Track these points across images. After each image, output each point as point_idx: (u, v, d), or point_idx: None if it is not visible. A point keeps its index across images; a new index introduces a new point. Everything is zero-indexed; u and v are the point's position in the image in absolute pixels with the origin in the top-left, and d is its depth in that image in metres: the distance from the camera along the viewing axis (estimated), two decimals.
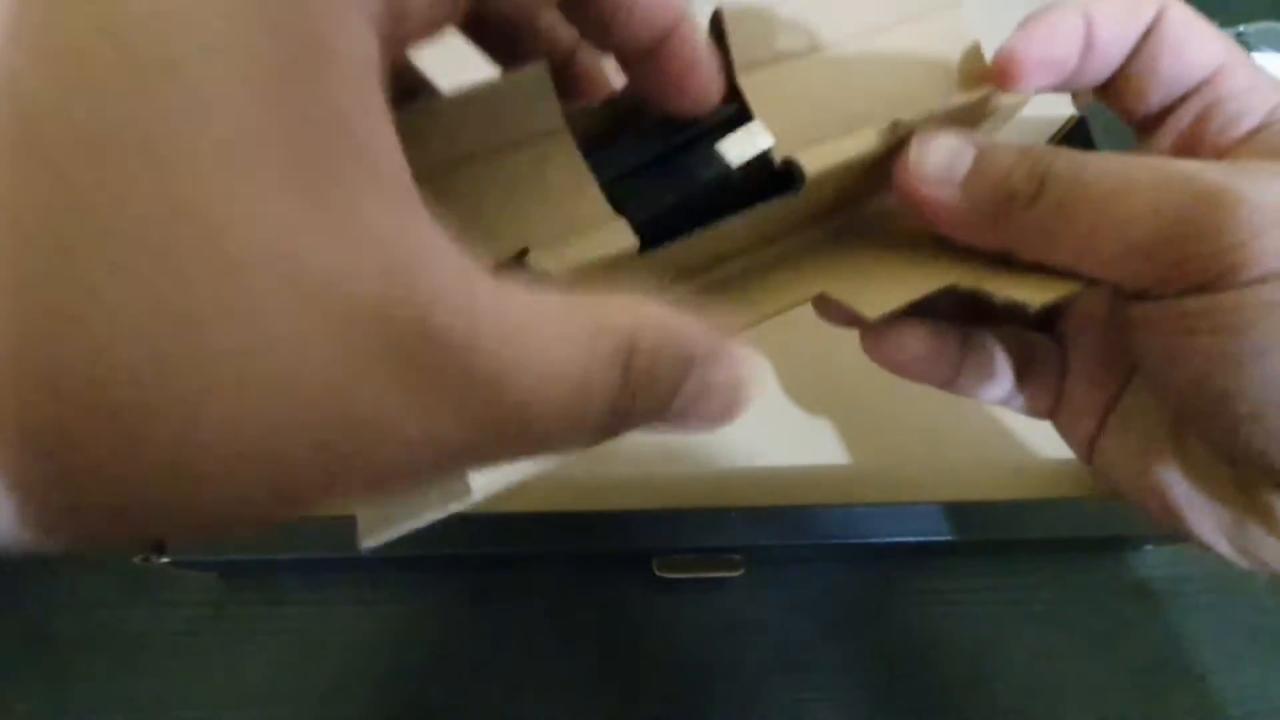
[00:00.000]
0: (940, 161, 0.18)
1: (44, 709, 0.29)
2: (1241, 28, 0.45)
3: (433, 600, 0.31)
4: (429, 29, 0.13)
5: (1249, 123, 0.17)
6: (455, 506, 0.15)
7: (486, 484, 0.15)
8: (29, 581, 0.31)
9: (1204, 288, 0.14)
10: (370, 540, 0.15)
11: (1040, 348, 0.20)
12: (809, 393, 0.35)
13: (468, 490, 0.15)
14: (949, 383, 0.20)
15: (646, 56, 0.16)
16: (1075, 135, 0.37)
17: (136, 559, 0.26)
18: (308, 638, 0.30)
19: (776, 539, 0.27)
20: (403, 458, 0.10)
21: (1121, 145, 0.36)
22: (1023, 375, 0.20)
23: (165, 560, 0.26)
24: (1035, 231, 0.16)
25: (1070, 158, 0.16)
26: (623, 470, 0.33)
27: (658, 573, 0.30)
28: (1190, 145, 0.18)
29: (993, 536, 0.29)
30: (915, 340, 0.19)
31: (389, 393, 0.09)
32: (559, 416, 0.11)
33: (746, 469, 0.33)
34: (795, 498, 0.31)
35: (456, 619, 0.31)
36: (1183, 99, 0.18)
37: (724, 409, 0.14)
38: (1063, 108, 0.37)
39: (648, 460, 0.33)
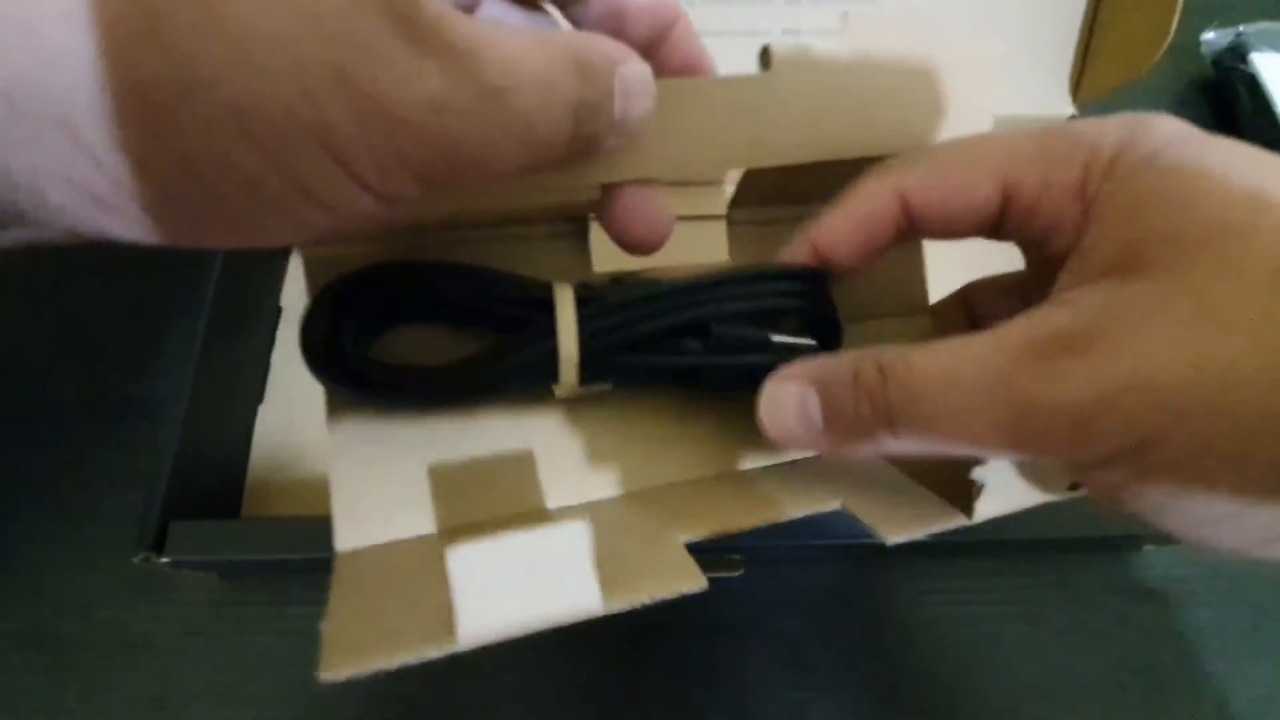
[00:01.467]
0: (793, 417, 0.18)
1: (44, 709, 0.29)
2: (1242, 28, 0.45)
3: None
4: None
5: (1068, 226, 0.17)
6: (433, 652, 0.15)
7: (476, 633, 0.15)
8: (29, 581, 0.31)
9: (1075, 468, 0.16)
10: (331, 675, 0.16)
11: None
12: None
13: (452, 638, 0.15)
14: None
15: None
16: None
17: (136, 559, 0.26)
18: (308, 638, 0.30)
19: (776, 539, 0.27)
20: (403, 97, 0.12)
21: None
22: None
23: (165, 560, 0.26)
24: (910, 448, 0.17)
25: (900, 389, 0.16)
26: None
27: None
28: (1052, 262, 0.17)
29: (993, 536, 0.28)
30: None
31: (385, 35, 0.12)
32: (532, 96, 0.14)
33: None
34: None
35: None
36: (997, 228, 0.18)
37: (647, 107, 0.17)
38: (1063, 108, 0.37)
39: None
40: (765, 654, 0.31)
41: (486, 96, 0.13)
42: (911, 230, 0.19)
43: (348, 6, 0.11)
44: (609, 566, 0.16)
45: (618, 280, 0.20)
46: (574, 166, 0.17)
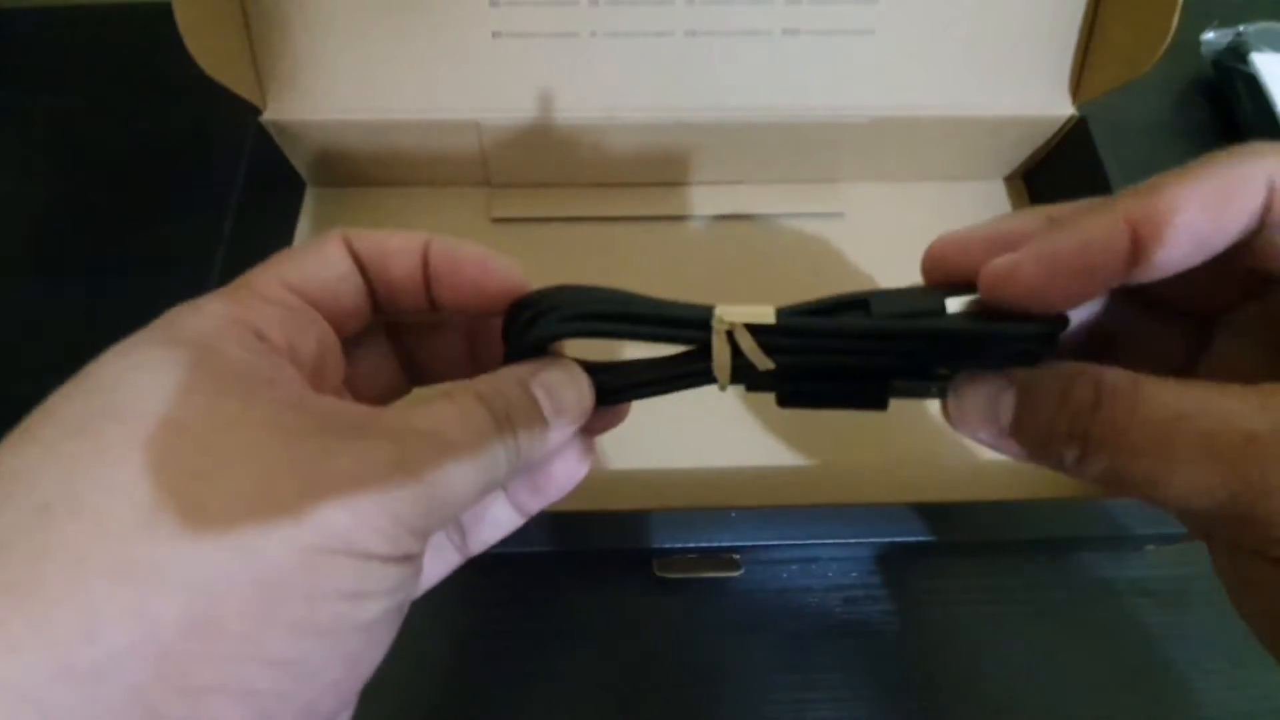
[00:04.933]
0: (981, 410, 0.17)
1: None
2: (1241, 28, 0.45)
3: (432, 601, 0.31)
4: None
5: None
6: None
7: None
8: None
9: (1257, 554, 0.14)
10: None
11: None
12: None
13: None
14: None
15: (438, 282, 0.18)
16: (1075, 135, 0.37)
17: None
18: None
19: (776, 539, 0.27)
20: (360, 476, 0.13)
21: (1122, 146, 0.36)
22: None
23: None
24: (1093, 479, 0.16)
25: (1109, 419, 0.15)
26: (623, 470, 0.33)
27: (658, 573, 0.30)
28: None
29: (993, 537, 0.28)
30: None
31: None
32: (464, 457, 0.15)
33: (746, 469, 0.33)
34: (795, 498, 0.31)
35: (456, 619, 0.31)
36: None
37: None
38: (1063, 108, 0.37)
39: (648, 460, 0.33)
40: (765, 654, 0.31)
41: (419, 443, 0.14)
42: (1258, 244, 0.15)
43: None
44: None
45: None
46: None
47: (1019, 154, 0.40)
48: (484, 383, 0.17)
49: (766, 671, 0.30)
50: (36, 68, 0.45)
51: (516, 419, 0.16)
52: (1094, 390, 0.15)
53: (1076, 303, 0.16)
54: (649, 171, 0.39)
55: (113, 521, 0.11)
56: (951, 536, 0.28)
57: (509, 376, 0.17)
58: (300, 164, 0.38)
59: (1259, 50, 0.44)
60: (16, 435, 0.13)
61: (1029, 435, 0.17)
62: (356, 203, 0.39)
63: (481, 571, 0.32)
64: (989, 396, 0.17)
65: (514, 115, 0.36)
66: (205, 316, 0.15)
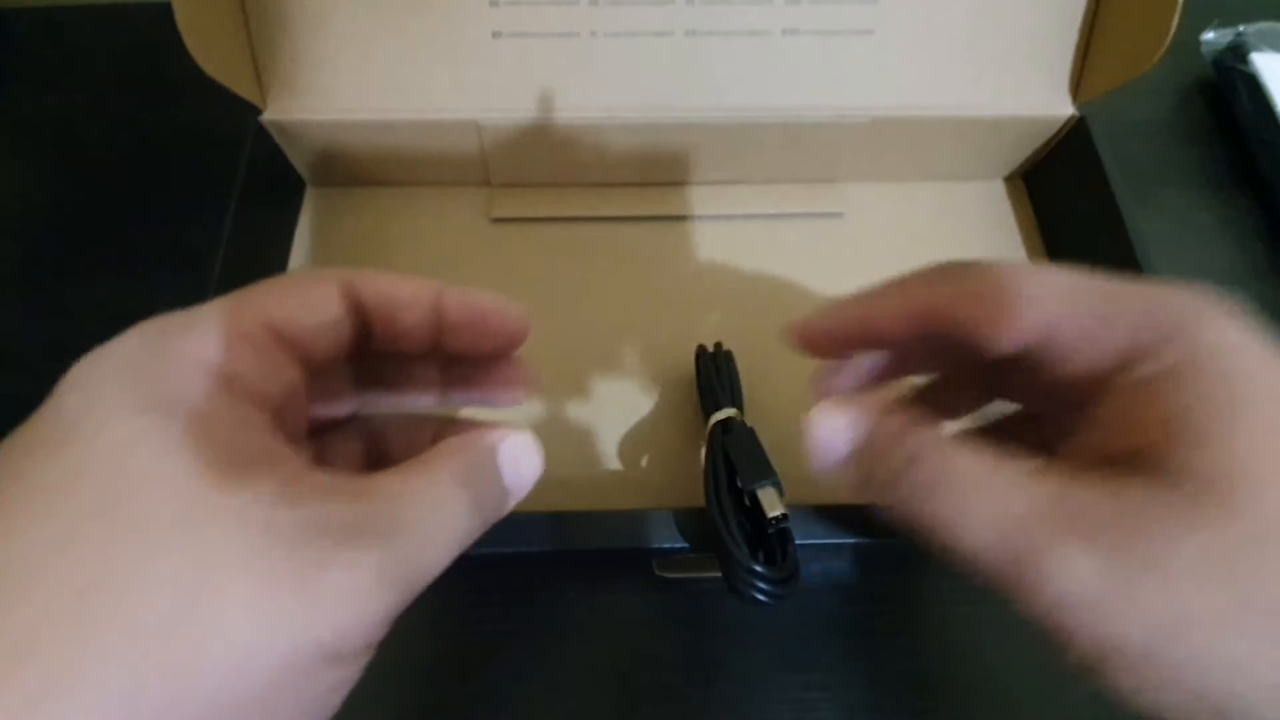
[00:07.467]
0: (835, 440, 0.19)
1: None
2: (1241, 28, 0.45)
3: (432, 601, 0.31)
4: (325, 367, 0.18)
5: (1103, 367, 0.17)
6: None
7: None
8: None
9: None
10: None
11: None
12: (809, 393, 0.35)
13: None
14: None
15: (454, 333, 0.19)
16: (1075, 135, 0.37)
17: None
18: None
19: None
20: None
21: (1121, 146, 0.36)
22: None
23: None
24: (901, 513, 0.18)
25: (924, 474, 0.17)
26: (622, 470, 0.33)
27: (658, 573, 0.30)
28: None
29: None
30: None
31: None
32: (435, 521, 0.17)
33: None
34: (795, 497, 0.31)
35: (456, 619, 0.31)
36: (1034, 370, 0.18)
37: None
38: (1063, 108, 0.37)
39: (647, 460, 0.33)
40: (765, 654, 0.31)
41: (404, 541, 0.15)
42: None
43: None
44: None
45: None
46: None
47: (1019, 154, 0.40)
48: (463, 463, 0.17)
49: (766, 671, 0.30)
50: (36, 68, 0.45)
51: (487, 502, 0.17)
52: (918, 445, 0.17)
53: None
54: (649, 171, 0.39)
55: (146, 622, 0.12)
56: None
57: (484, 451, 0.18)
58: (300, 164, 0.38)
59: (1259, 50, 0.44)
60: (24, 508, 0.13)
61: (862, 466, 0.19)
62: (356, 203, 0.39)
63: (481, 571, 0.32)
64: (844, 428, 0.19)
65: (514, 115, 0.36)
66: (187, 367, 0.15)
